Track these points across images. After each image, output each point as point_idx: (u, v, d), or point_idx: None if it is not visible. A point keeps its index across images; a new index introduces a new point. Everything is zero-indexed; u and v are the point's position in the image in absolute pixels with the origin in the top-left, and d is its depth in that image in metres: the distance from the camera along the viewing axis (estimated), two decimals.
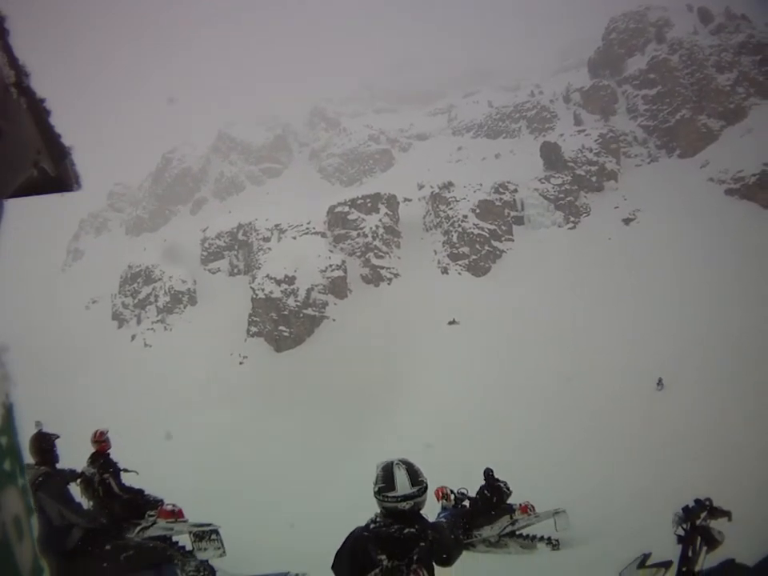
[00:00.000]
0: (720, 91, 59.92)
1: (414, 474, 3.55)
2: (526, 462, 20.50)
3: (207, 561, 8.36)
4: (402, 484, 3.50)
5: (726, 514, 3.95)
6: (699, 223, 45.87)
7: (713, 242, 42.72)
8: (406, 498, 3.48)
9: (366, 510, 3.69)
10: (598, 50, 70.92)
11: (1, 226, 1.16)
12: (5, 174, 1.17)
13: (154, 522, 7.99)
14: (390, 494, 3.49)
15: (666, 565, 3.97)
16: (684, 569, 3.89)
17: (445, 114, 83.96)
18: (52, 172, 1.36)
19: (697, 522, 3.92)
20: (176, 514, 8.33)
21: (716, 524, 3.93)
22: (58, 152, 1.36)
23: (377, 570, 3.43)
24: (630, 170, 58.88)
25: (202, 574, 8.29)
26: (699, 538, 3.87)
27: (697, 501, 4.01)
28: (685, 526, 3.98)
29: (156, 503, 8.35)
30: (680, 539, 3.95)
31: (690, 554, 3.90)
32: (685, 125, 59.77)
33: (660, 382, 29.98)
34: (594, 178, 56.59)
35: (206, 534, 8.25)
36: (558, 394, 30.57)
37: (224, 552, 8.27)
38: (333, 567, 3.61)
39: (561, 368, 33.12)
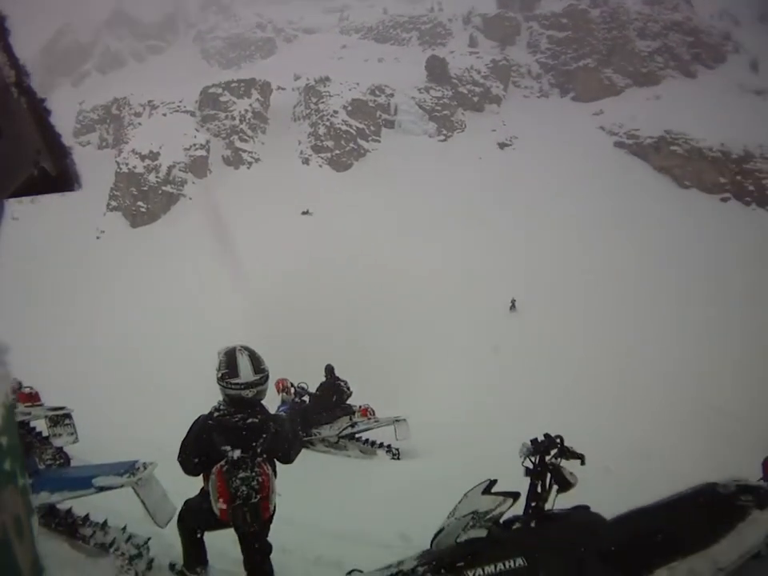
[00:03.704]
0: (635, 54, 72.34)
1: (256, 361, 4.45)
2: (367, 367, 21.77)
3: (62, 448, 8.97)
4: (246, 371, 4.38)
5: (579, 456, 4.29)
6: (578, 163, 55.69)
7: (589, 183, 51.54)
8: (249, 385, 4.38)
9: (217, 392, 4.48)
10: None
11: (1, 225, 1.33)
12: (5, 173, 1.34)
13: (14, 407, 6.63)
14: (233, 381, 4.36)
15: (514, 496, 4.29)
16: (533, 504, 4.33)
17: (337, 12, 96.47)
18: (52, 171, 1.57)
19: (546, 459, 4.34)
20: (33, 398, 8.90)
21: (568, 465, 4.34)
22: (59, 152, 1.57)
23: (222, 462, 4.28)
24: (516, 99, 70.70)
25: (58, 462, 8.83)
26: (549, 475, 4.29)
27: (546, 436, 4.41)
28: (533, 459, 4.40)
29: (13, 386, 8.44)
30: (528, 472, 4.39)
31: (539, 489, 4.34)
32: (586, 72, 71.89)
33: (513, 304, 33.55)
34: (476, 98, 68.78)
35: (60, 418, 8.61)
36: (403, 297, 33.56)
37: (77, 438, 8.68)
38: (179, 458, 4.51)
39: (408, 272, 36.81)
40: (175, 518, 5.19)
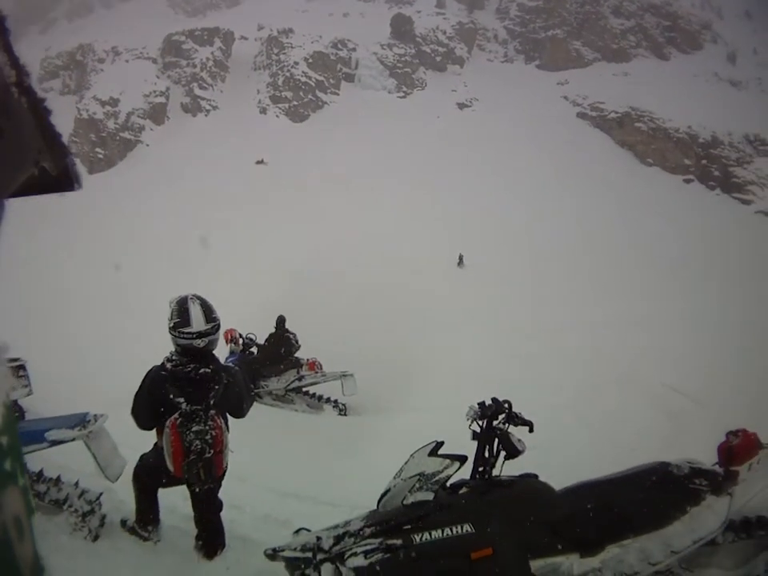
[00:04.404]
0: (607, 30, 72.94)
1: (208, 310, 4.44)
2: (314, 323, 19.72)
3: (17, 401, 8.51)
4: (197, 320, 4.36)
5: (527, 423, 4.23)
6: (538, 129, 56.60)
7: (548, 149, 52.48)
8: (201, 334, 4.36)
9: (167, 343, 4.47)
10: None
11: (1, 225, 1.32)
12: (6, 173, 1.34)
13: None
14: (185, 330, 4.34)
15: (461, 459, 4.16)
16: (480, 469, 4.27)
17: None
18: (53, 171, 1.56)
19: (494, 423, 4.25)
20: None
21: (516, 432, 4.24)
22: (59, 152, 1.56)
23: (176, 415, 4.29)
24: (479, 62, 71.34)
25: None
26: (497, 440, 4.20)
27: (494, 400, 4.31)
28: (480, 423, 4.31)
29: None
30: (475, 435, 4.30)
31: (486, 454, 4.25)
32: (555, 43, 72.36)
33: (461, 260, 32.77)
34: (438, 58, 69.46)
35: (14, 370, 8.23)
36: (350, 251, 31.71)
37: (31, 390, 8.49)
38: (132, 412, 4.49)
39: (357, 224, 36.00)
40: (125, 472, 5.16)
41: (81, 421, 5.25)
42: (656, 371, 16.65)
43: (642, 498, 4.18)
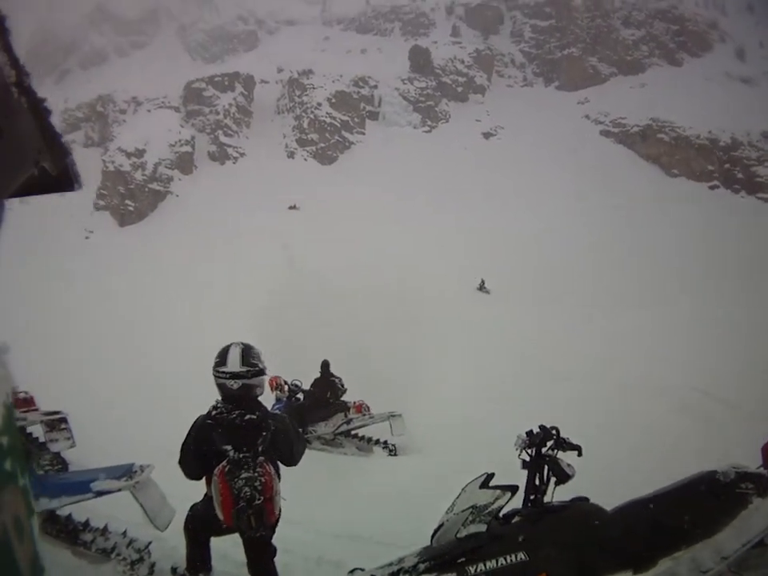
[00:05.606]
0: (619, 42, 73.49)
1: (248, 355, 4.56)
2: (356, 363, 18.82)
3: (59, 453, 8.81)
4: (233, 361, 4.50)
5: (576, 448, 4.28)
6: (564, 153, 56.62)
7: (576, 172, 52.61)
8: (234, 375, 4.49)
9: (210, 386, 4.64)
10: None
11: (1, 225, 1.36)
12: (6, 173, 1.36)
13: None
14: (220, 369, 4.52)
15: (513, 489, 4.21)
16: (532, 497, 4.31)
17: (319, 3, 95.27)
18: (53, 171, 1.58)
19: (543, 450, 4.32)
20: (28, 403, 8.80)
21: (565, 457, 4.32)
22: (59, 152, 1.59)
23: (224, 463, 4.28)
24: (499, 89, 71.60)
25: (56, 467, 8.77)
26: (546, 467, 4.27)
27: (542, 427, 4.39)
28: (529, 451, 4.38)
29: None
30: (524, 464, 4.37)
31: (537, 482, 4.31)
32: (571, 61, 72.80)
33: (483, 285, 32.98)
34: (460, 88, 69.86)
35: (56, 423, 8.48)
36: (388, 287, 30.82)
37: (74, 442, 8.56)
38: (180, 462, 4.56)
39: (393, 259, 35.14)
40: (175, 520, 5.15)
41: (127, 471, 5.29)
42: (700, 381, 16.48)
43: (692, 509, 4.20)
